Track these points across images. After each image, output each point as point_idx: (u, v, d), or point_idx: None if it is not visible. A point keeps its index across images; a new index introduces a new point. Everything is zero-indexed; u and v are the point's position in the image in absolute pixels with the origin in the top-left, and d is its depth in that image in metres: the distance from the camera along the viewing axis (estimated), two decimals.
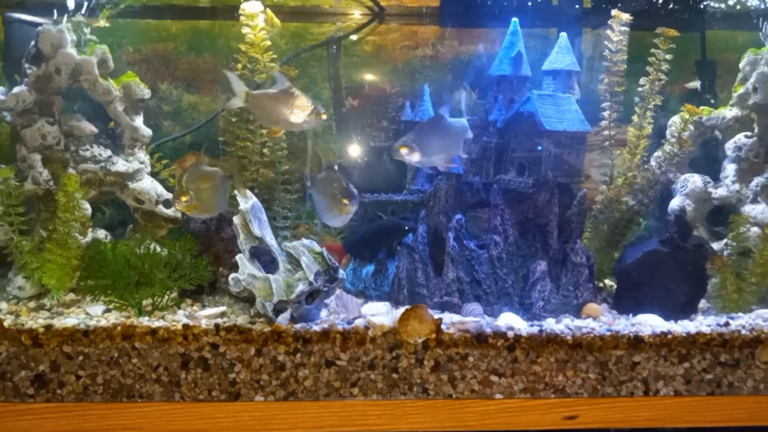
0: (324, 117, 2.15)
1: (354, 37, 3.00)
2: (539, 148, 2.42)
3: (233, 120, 2.70)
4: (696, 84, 2.96)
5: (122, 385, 2.04)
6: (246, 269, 2.20)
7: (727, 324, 2.20)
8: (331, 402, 2.07)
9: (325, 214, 2.27)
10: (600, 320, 2.29)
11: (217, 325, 2.05)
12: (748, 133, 2.75)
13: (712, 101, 2.94)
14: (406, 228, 2.49)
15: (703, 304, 2.50)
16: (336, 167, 2.26)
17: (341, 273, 2.25)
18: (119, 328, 2.04)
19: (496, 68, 2.58)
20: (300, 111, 2.14)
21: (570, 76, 2.57)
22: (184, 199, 2.13)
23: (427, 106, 2.69)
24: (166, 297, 2.29)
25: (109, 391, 2.04)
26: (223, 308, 2.27)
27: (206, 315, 2.20)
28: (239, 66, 2.66)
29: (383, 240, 2.56)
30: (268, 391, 2.06)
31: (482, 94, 2.78)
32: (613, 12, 2.65)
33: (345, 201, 2.17)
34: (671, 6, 2.82)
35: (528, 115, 2.44)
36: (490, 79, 2.61)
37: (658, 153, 2.79)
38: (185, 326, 2.05)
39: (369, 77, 3.06)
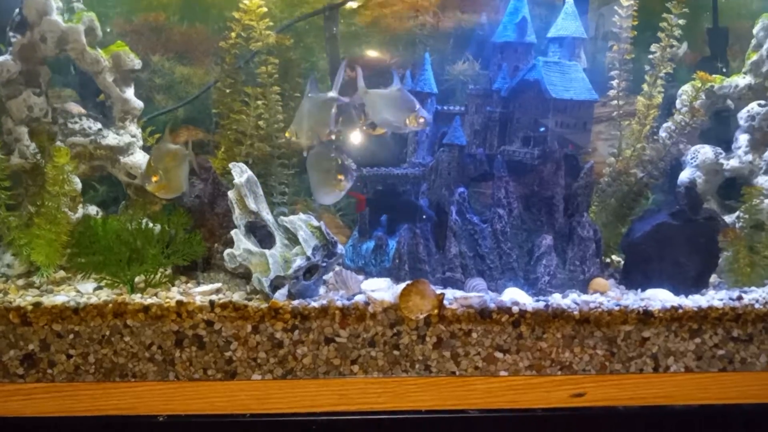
0: (423, 122, 2.17)
1: (352, 5, 2.91)
2: (546, 117, 2.36)
3: (227, 92, 2.64)
4: (684, 48, 2.85)
5: (114, 364, 2.01)
6: (242, 244, 2.16)
7: (740, 298, 2.17)
8: (331, 380, 2.05)
9: (317, 190, 2.23)
10: (608, 295, 2.25)
11: (212, 302, 2.02)
12: (762, 102, 2.68)
13: (724, 70, 2.87)
14: (424, 216, 2.44)
15: (714, 278, 2.46)
16: (333, 138, 2.19)
17: (340, 248, 2.21)
18: (110, 305, 2.00)
19: (500, 35, 2.52)
20: (405, 113, 2.17)
21: (576, 44, 2.51)
22: (154, 179, 2.13)
23: (429, 75, 2.61)
24: (159, 273, 2.25)
25: (101, 370, 2.01)
26: (218, 285, 2.23)
27: (201, 291, 2.16)
28: (233, 35, 2.58)
29: (398, 217, 2.49)
30: (265, 370, 2.04)
31: (485, 64, 2.72)
32: None
33: (339, 177, 2.13)
34: None
35: (533, 82, 2.39)
36: (494, 47, 2.56)
37: (668, 123, 2.73)
38: (179, 303, 2.01)
39: (368, 46, 2.98)
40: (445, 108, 2.62)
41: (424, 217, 2.42)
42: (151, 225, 2.28)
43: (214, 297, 2.09)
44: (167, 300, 2.04)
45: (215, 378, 2.02)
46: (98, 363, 2.00)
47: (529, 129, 2.44)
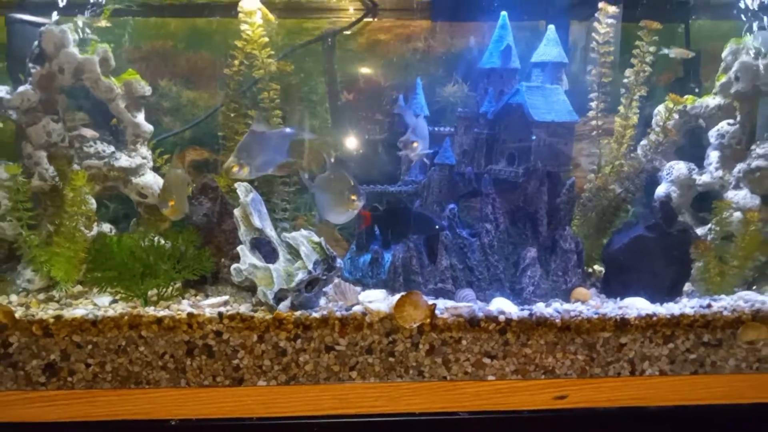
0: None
1: (348, 33, 3.05)
2: (529, 138, 2.48)
3: (232, 115, 2.76)
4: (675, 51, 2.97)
5: (130, 372, 2.09)
6: (247, 259, 2.26)
7: (709, 306, 2.27)
8: (331, 385, 2.11)
9: (331, 211, 2.31)
10: (588, 304, 2.35)
11: (220, 314, 2.11)
12: (731, 121, 2.80)
13: (697, 90, 3.00)
14: (437, 227, 2.49)
15: (688, 287, 2.56)
16: (332, 160, 2.32)
17: (339, 262, 2.31)
18: (126, 317, 2.09)
19: (486, 61, 2.64)
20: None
21: (558, 68, 2.63)
22: (171, 203, 2.26)
23: (420, 99, 2.75)
24: (171, 287, 2.35)
25: (118, 378, 2.09)
26: (225, 297, 2.33)
27: (210, 304, 2.26)
28: (236, 62, 2.71)
29: (414, 230, 2.53)
30: (270, 376, 2.11)
31: (474, 87, 2.84)
32: (600, 4, 2.71)
33: (353, 197, 2.23)
34: None
35: (517, 106, 2.50)
36: (481, 72, 2.67)
37: (644, 142, 2.86)
38: (190, 315, 2.11)
39: (363, 71, 3.11)
40: (436, 129, 2.73)
41: (437, 228, 2.47)
42: (162, 242, 2.38)
43: (222, 309, 2.18)
44: (179, 312, 2.13)
45: (223, 384, 2.09)
46: (115, 371, 2.08)
47: (513, 149, 2.54)
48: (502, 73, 2.62)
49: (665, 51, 2.83)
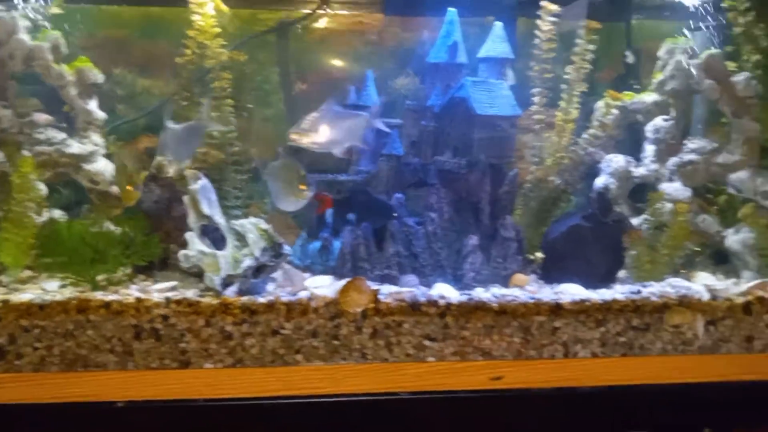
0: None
1: (302, 24, 3.08)
2: (473, 131, 2.55)
3: (184, 104, 2.78)
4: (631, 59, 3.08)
5: (78, 355, 2.08)
6: (195, 246, 2.28)
7: (639, 292, 2.35)
8: (276, 368, 2.12)
9: (281, 200, 2.35)
10: (525, 289, 2.42)
11: (167, 298, 2.12)
12: (666, 117, 2.90)
13: (637, 87, 3.08)
14: (394, 214, 2.53)
15: (623, 274, 2.64)
16: (281, 149, 2.37)
17: (286, 248, 2.35)
18: (74, 301, 2.09)
19: (434, 56, 2.68)
20: None
21: (503, 64, 2.68)
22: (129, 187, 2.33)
23: (371, 90, 2.80)
24: (120, 272, 2.37)
25: (65, 361, 2.06)
26: (173, 283, 2.34)
27: (158, 289, 2.27)
28: (188, 51, 2.72)
29: (369, 215, 2.55)
30: (216, 359, 2.11)
31: (424, 80, 2.87)
32: (542, 3, 2.80)
33: (302, 186, 2.27)
34: None
35: (461, 100, 2.56)
36: (429, 66, 2.72)
37: (585, 135, 2.94)
38: (137, 299, 2.12)
39: (316, 63, 3.14)
40: (385, 121, 2.73)
41: (395, 214, 2.49)
42: (112, 228, 2.41)
43: (169, 294, 2.19)
44: (127, 297, 2.14)
45: (170, 367, 2.09)
46: (62, 355, 2.06)
47: (458, 141, 2.60)
48: (448, 68, 2.66)
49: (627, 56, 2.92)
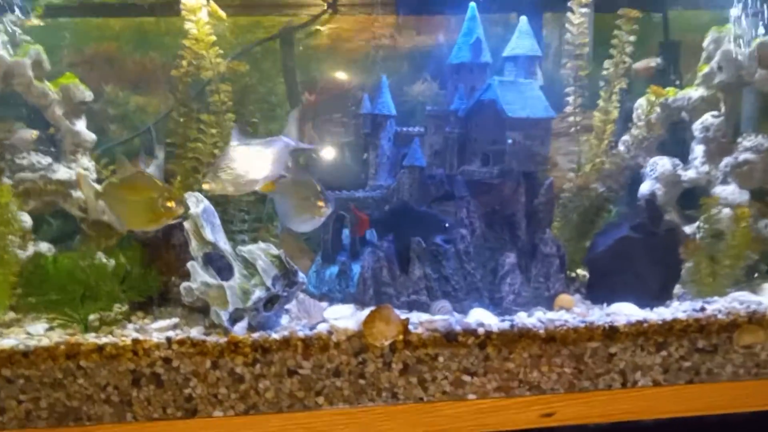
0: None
1: (308, 30, 2.91)
2: (503, 136, 2.37)
3: (181, 120, 2.60)
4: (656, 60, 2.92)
5: (68, 407, 1.95)
6: (199, 277, 2.11)
7: (703, 309, 2.17)
8: (295, 413, 2.00)
9: (295, 218, 2.19)
10: (573, 311, 2.25)
11: (168, 338, 1.97)
12: (715, 113, 2.72)
13: (678, 82, 2.91)
14: (446, 225, 2.37)
15: (677, 289, 2.47)
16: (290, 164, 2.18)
17: (301, 276, 2.17)
18: (62, 346, 1.93)
19: (456, 56, 2.53)
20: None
21: (532, 62, 2.53)
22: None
23: (386, 97, 2.61)
24: (115, 311, 2.19)
25: (54, 415, 1.95)
26: (175, 320, 2.17)
27: (157, 328, 2.11)
28: (184, 63, 2.55)
29: (417, 231, 2.38)
30: (226, 406, 1.99)
31: (443, 84, 2.73)
32: None
33: (320, 203, 2.12)
34: None
35: (489, 102, 2.40)
36: (450, 68, 2.56)
37: (625, 137, 2.77)
38: (135, 341, 1.96)
39: (325, 70, 2.98)
40: (405, 129, 2.61)
41: (445, 227, 2.35)
42: (105, 261, 2.23)
43: (171, 333, 2.04)
44: (122, 338, 1.98)
45: (175, 416, 1.97)
46: (51, 407, 1.94)
47: (487, 148, 2.43)
48: (472, 68, 2.50)
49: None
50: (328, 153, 2.88)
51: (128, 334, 2.04)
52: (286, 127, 2.16)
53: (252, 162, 2.05)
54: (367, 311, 2.05)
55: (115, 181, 2.10)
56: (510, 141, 2.37)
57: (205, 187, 2.04)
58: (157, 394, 1.96)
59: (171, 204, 2.02)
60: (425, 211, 2.42)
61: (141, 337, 1.99)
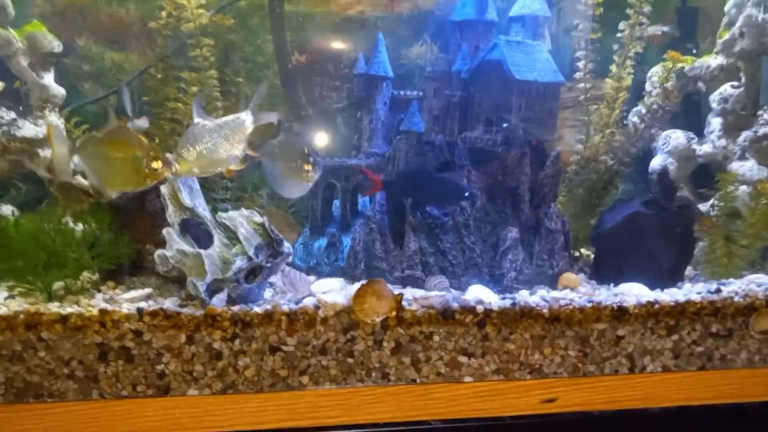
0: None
1: None
2: (509, 100, 2.27)
3: (160, 77, 2.46)
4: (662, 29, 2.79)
5: (28, 383, 1.87)
6: (175, 244, 1.99)
7: (718, 291, 2.10)
8: (277, 393, 1.95)
9: (282, 183, 2.07)
10: (578, 291, 2.17)
11: (140, 310, 1.87)
12: (735, 83, 2.63)
13: (694, 51, 2.81)
14: (467, 193, 2.26)
15: (689, 270, 2.40)
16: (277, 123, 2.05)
17: (287, 246, 2.06)
18: (22, 315, 1.83)
19: (459, 12, 2.42)
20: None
21: (540, 22, 2.41)
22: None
23: (383, 57, 2.46)
24: (84, 279, 2.06)
25: (12, 390, 1.86)
26: (148, 290, 2.06)
27: (128, 298, 2.00)
28: (164, 14, 2.40)
29: (434, 199, 2.28)
30: (202, 384, 1.92)
31: (444, 47, 2.58)
32: None
33: (307, 167, 2.00)
34: None
35: (495, 63, 2.28)
36: (453, 25, 2.44)
37: (638, 107, 2.66)
38: (102, 311, 1.86)
39: (317, 29, 2.83)
40: (402, 93, 2.48)
41: (466, 195, 2.25)
42: (73, 225, 2.10)
43: (143, 304, 1.93)
44: (89, 309, 1.87)
45: (146, 395, 1.90)
46: (9, 383, 1.85)
47: (491, 113, 2.33)
48: (477, 26, 2.39)
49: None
50: (319, 118, 2.75)
51: (96, 304, 1.93)
52: (252, 100, 2.02)
53: (216, 141, 1.93)
54: (357, 285, 1.97)
55: (97, 135, 1.94)
56: (516, 105, 2.26)
57: (169, 175, 1.92)
58: (127, 369, 1.88)
59: (157, 164, 1.87)
60: (443, 176, 2.31)
61: (110, 307, 1.89)
